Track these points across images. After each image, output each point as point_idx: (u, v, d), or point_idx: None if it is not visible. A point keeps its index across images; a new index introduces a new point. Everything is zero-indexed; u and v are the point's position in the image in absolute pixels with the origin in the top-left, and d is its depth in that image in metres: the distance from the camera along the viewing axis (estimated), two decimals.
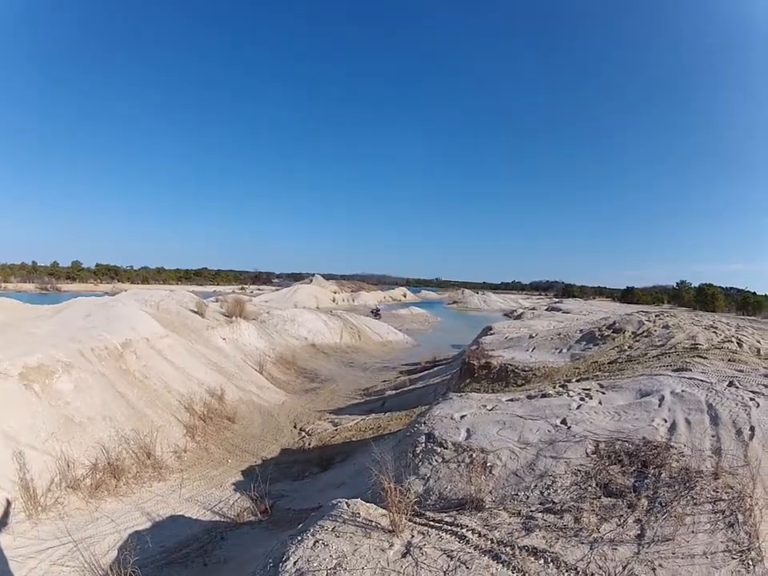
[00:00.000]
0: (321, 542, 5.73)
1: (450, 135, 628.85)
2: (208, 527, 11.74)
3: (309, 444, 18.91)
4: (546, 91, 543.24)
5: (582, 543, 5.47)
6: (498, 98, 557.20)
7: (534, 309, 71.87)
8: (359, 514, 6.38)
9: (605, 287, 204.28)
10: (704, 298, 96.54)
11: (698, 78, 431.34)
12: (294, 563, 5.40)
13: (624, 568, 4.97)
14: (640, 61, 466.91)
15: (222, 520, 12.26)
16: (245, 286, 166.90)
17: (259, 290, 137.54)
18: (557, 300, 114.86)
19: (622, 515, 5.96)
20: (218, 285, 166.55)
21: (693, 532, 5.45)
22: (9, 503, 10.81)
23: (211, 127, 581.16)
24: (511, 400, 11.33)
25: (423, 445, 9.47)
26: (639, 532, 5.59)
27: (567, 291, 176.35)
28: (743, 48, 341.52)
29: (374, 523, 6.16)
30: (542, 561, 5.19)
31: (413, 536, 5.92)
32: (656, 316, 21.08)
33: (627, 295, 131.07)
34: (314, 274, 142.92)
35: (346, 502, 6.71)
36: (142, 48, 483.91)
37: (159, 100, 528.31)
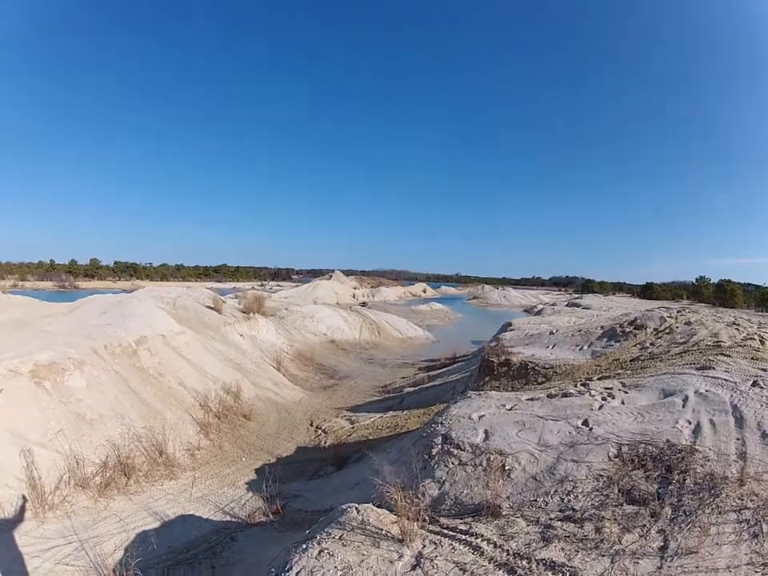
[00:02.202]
0: (326, 551, 5.58)
1: (465, 131, 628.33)
2: (218, 527, 11.57)
3: (325, 442, 18.71)
4: (562, 85, 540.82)
5: (603, 556, 5.26)
6: (510, 90, 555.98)
7: (554, 304, 71.19)
8: (369, 521, 6.21)
9: (624, 282, 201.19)
10: (723, 294, 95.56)
11: (712, 73, 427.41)
12: (296, 574, 5.21)
13: None
14: (653, 57, 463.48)
15: (233, 520, 12.06)
16: (264, 282, 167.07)
17: (279, 286, 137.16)
18: (577, 296, 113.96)
19: (644, 525, 5.75)
20: (237, 281, 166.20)
21: (717, 544, 5.24)
22: (15, 501, 10.72)
23: (229, 125, 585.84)
24: (531, 399, 11.11)
25: (440, 446, 9.30)
26: (662, 544, 5.37)
27: (587, 287, 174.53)
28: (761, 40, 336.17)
29: (383, 531, 5.98)
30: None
31: (424, 546, 5.76)
32: (678, 312, 20.74)
33: (646, 291, 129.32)
34: (333, 270, 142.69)
35: (356, 508, 6.54)
36: (150, 48, 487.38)
37: (176, 100, 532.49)
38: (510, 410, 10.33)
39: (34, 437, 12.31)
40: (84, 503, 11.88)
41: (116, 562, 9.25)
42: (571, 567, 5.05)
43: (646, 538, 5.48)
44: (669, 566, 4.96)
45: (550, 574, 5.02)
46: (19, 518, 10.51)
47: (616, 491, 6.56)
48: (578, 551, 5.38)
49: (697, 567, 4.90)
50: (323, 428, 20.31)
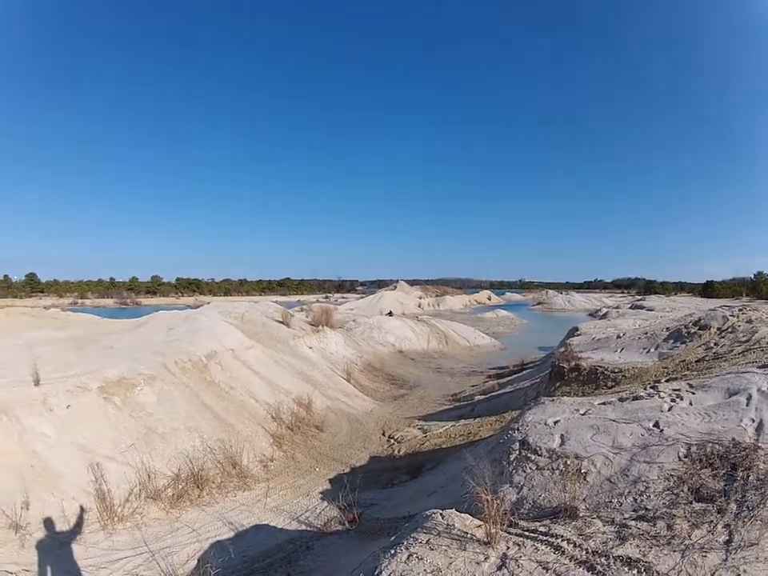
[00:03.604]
0: (415, 555, 5.57)
1: (518, 137, 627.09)
2: (293, 537, 11.41)
3: (398, 451, 18.50)
4: (610, 85, 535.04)
5: (674, 551, 5.29)
6: (564, 93, 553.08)
7: (617, 307, 70.67)
8: (454, 525, 6.21)
9: (685, 282, 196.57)
10: None
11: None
12: None
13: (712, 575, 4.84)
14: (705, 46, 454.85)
15: (309, 529, 11.87)
16: (329, 294, 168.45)
17: (343, 297, 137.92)
18: (639, 297, 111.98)
19: (711, 521, 5.81)
20: (301, 294, 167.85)
21: None
22: (82, 514, 10.80)
23: (295, 137, 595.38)
24: (603, 403, 10.99)
25: (517, 452, 9.37)
26: (728, 537, 5.42)
27: (649, 288, 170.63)
28: None
29: (468, 535, 5.96)
30: (635, 571, 5.06)
31: (508, 547, 5.73)
32: (739, 310, 20.46)
33: (707, 290, 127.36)
34: (397, 281, 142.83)
35: (441, 513, 6.52)
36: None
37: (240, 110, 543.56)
38: (583, 414, 10.26)
39: (103, 451, 12.45)
40: (155, 515, 11.90)
41: (188, 572, 9.24)
42: (646, 562, 5.09)
43: (713, 533, 5.55)
44: (733, 558, 5.02)
45: (626, 569, 5.10)
46: (86, 530, 10.54)
47: (686, 490, 6.64)
48: (651, 547, 5.44)
49: (757, 558, 4.97)
50: (396, 437, 20.11)
